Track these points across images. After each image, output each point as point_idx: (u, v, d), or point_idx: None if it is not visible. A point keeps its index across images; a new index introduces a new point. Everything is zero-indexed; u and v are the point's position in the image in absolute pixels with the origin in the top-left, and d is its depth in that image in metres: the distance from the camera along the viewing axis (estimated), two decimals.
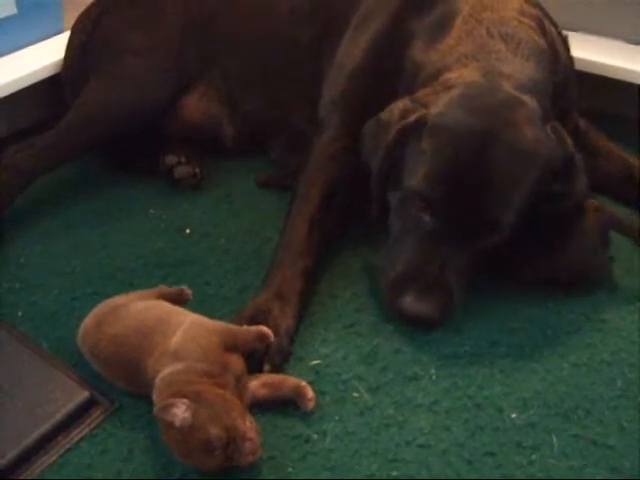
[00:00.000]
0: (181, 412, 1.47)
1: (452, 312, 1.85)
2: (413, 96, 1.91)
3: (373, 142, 1.94)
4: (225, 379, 1.59)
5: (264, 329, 1.69)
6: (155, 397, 1.57)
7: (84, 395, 1.71)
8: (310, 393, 1.67)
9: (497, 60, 1.90)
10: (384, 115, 1.93)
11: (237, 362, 1.64)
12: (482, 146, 1.76)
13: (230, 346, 1.64)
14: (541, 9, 2.12)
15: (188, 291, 1.88)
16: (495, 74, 1.86)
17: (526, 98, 1.83)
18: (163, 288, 1.89)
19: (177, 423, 1.47)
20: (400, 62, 2.05)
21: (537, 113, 1.82)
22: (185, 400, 1.48)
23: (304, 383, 1.68)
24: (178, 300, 1.85)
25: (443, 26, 2.01)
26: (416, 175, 1.81)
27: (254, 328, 1.69)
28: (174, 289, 1.88)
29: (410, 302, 1.81)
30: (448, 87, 1.86)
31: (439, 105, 1.82)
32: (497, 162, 1.76)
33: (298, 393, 1.67)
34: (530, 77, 1.89)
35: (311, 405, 1.67)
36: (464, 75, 1.87)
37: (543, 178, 1.81)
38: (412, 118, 1.83)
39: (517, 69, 1.89)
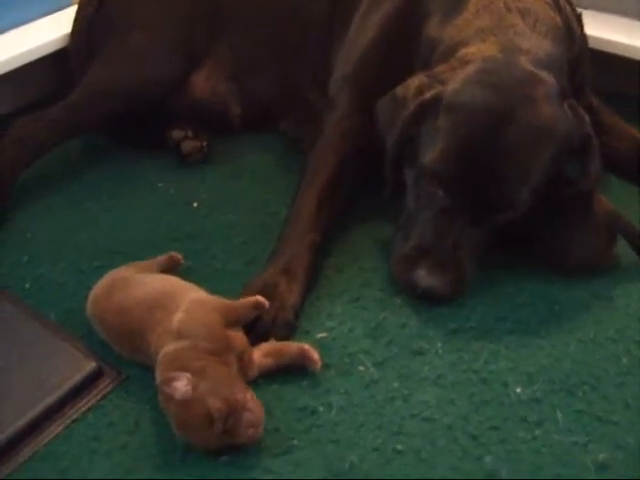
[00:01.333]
0: (182, 385, 1.47)
1: (463, 288, 1.86)
2: (430, 72, 1.90)
3: (388, 117, 1.92)
4: (229, 358, 1.59)
5: (259, 298, 1.69)
6: (159, 371, 1.57)
7: (91, 366, 1.72)
8: (315, 354, 1.68)
9: (515, 35, 1.88)
10: (400, 90, 1.91)
11: (239, 339, 1.65)
12: (498, 123, 1.75)
13: (231, 322, 1.65)
14: None
15: (178, 256, 1.92)
16: (513, 49, 1.84)
17: (544, 74, 1.81)
18: (160, 258, 1.91)
19: (177, 396, 1.47)
20: (415, 39, 2.04)
21: (555, 90, 1.81)
22: (187, 374, 1.49)
23: (307, 346, 1.69)
24: (171, 267, 1.89)
25: (459, 1, 1.99)
26: (431, 153, 1.80)
27: (250, 299, 1.69)
28: (163, 257, 1.90)
29: (423, 276, 1.82)
30: (465, 62, 1.84)
31: (456, 81, 1.81)
32: (513, 139, 1.75)
33: (302, 356, 1.68)
34: (547, 53, 1.88)
35: (318, 366, 1.68)
36: (482, 50, 1.85)
37: (559, 156, 1.81)
38: (429, 95, 1.82)
39: (535, 45, 1.87)
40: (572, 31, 2.05)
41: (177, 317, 1.63)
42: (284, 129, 2.49)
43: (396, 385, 1.68)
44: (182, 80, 2.47)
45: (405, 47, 2.06)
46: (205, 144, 2.42)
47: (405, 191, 1.94)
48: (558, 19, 1.98)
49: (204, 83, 2.50)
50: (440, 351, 1.76)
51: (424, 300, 1.85)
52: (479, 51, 1.86)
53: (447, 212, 1.82)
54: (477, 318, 1.84)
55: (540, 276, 1.95)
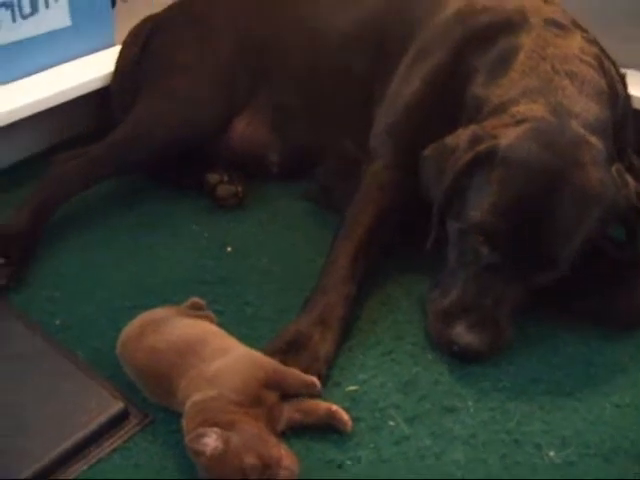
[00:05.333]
0: (212, 441, 1.45)
1: (500, 348, 1.84)
2: (481, 125, 1.89)
3: (436, 166, 1.91)
4: (257, 411, 1.57)
5: (315, 381, 1.67)
6: (185, 423, 1.55)
7: (118, 406, 1.70)
8: (345, 416, 1.65)
9: (564, 97, 1.88)
10: (450, 140, 1.90)
11: (271, 396, 1.62)
12: (550, 184, 1.75)
13: (273, 385, 1.62)
14: (599, 47, 2.10)
15: (213, 318, 1.86)
16: (564, 112, 1.84)
17: (593, 139, 1.81)
18: (196, 302, 1.88)
19: (208, 452, 1.45)
20: (460, 96, 2.04)
21: (603, 154, 1.81)
22: (216, 429, 1.47)
23: (335, 407, 1.66)
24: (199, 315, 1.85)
25: (505, 61, 1.99)
26: (480, 207, 1.79)
27: (305, 377, 1.67)
28: (199, 314, 1.85)
29: (461, 333, 1.80)
30: (518, 121, 1.84)
31: (510, 137, 1.80)
32: (563, 200, 1.75)
33: (332, 418, 1.65)
34: (596, 117, 1.87)
35: (349, 427, 1.64)
36: (533, 110, 1.85)
37: (605, 220, 1.81)
38: (483, 147, 1.81)
39: (584, 108, 1.87)
40: (616, 93, 2.04)
41: (216, 365, 1.61)
42: (317, 177, 2.47)
43: (427, 442, 1.65)
44: (224, 125, 2.47)
45: (449, 102, 2.05)
46: (240, 189, 2.42)
47: (445, 244, 1.92)
48: (603, 82, 1.98)
49: (244, 129, 2.50)
50: (472, 410, 1.73)
51: (460, 357, 1.83)
52: (530, 111, 1.85)
53: (490, 269, 1.81)
54: (510, 378, 1.81)
55: (575, 336, 1.93)
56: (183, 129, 2.39)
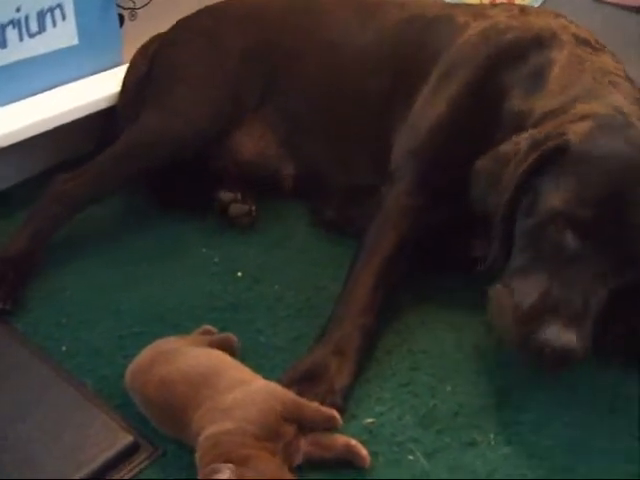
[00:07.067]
0: (225, 476, 1.41)
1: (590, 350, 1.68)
2: (539, 128, 1.83)
3: (492, 177, 1.83)
4: (275, 446, 1.52)
5: (335, 414, 1.60)
6: (199, 457, 1.50)
7: (128, 439, 1.64)
8: (363, 451, 1.59)
9: (616, 101, 1.84)
10: (505, 148, 1.84)
11: (290, 430, 1.56)
12: (630, 175, 1.67)
13: (292, 418, 1.56)
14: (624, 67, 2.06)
15: (234, 338, 1.82)
16: (623, 111, 1.80)
17: None
18: (207, 329, 1.84)
19: None
20: (493, 114, 1.99)
21: None
22: (230, 465, 1.42)
23: (354, 442, 1.60)
24: (224, 348, 1.79)
25: (541, 75, 1.96)
26: (561, 197, 1.69)
27: (325, 410, 1.60)
28: (219, 337, 1.82)
29: (555, 332, 1.61)
30: (581, 118, 1.78)
31: (579, 132, 1.74)
32: None
33: (350, 453, 1.59)
34: None
35: (367, 463, 1.59)
36: (594, 108, 1.81)
37: None
38: (552, 144, 1.73)
39: (633, 110, 1.82)
40: None
41: (233, 396, 1.56)
42: (329, 217, 2.40)
43: (447, 478, 1.60)
44: (226, 137, 2.43)
45: (478, 122, 2.00)
46: (253, 208, 2.37)
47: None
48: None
49: (254, 144, 2.46)
50: (493, 443, 1.68)
51: (552, 362, 1.63)
52: (592, 109, 1.81)
53: (575, 262, 1.67)
54: (532, 411, 1.76)
55: (599, 372, 1.86)
56: (178, 141, 2.34)
